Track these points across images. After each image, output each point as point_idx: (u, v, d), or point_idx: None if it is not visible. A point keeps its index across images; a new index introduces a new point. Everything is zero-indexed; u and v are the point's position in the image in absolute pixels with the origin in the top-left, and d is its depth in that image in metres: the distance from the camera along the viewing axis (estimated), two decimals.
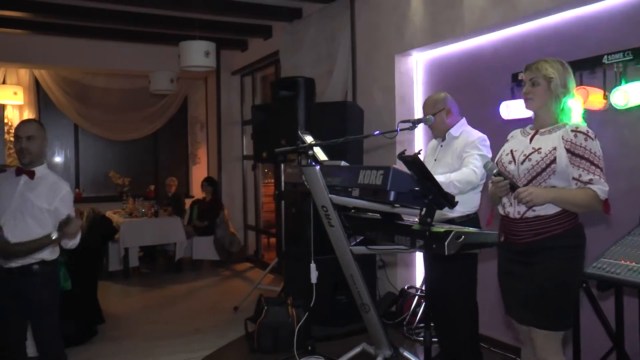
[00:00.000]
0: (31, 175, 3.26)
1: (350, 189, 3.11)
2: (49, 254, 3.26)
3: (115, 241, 7.68)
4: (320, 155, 3.69)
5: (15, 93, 8.90)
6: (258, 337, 4.67)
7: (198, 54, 6.51)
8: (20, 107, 9.13)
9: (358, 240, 3.45)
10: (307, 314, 4.47)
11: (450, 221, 3.43)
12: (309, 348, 4.34)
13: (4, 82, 8.94)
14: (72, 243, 3.30)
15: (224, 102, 9.26)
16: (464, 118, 3.84)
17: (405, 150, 3.01)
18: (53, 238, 3.07)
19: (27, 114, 9.11)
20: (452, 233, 2.66)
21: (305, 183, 3.42)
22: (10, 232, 3.16)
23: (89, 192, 9.66)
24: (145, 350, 4.94)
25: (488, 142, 3.66)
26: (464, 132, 3.75)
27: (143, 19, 7.33)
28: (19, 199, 3.22)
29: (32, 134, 3.25)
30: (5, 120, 9.05)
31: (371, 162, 5.45)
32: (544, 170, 2.65)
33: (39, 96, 9.33)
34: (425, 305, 4.71)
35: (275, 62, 7.69)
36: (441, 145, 3.84)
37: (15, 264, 3.18)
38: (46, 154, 3.42)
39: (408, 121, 3.52)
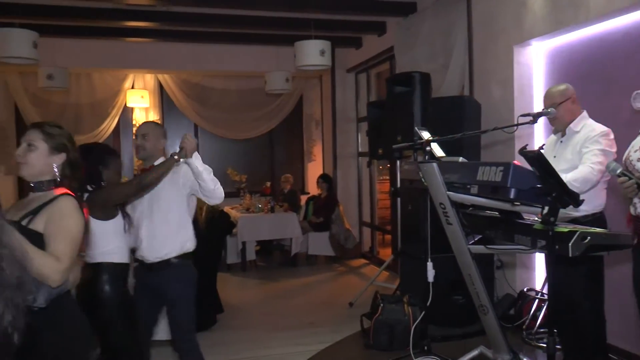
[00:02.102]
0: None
1: (468, 186, 3.03)
2: (190, 244, 3.43)
3: (234, 235, 7.96)
4: (438, 151, 3.62)
5: (142, 97, 9.49)
6: (374, 334, 4.66)
7: (313, 53, 6.59)
8: (146, 110, 9.72)
9: (476, 239, 3.35)
10: (423, 313, 4.42)
11: (574, 221, 3.25)
12: (425, 348, 4.27)
13: (132, 87, 9.56)
14: (206, 177, 3.27)
15: (338, 99, 9.35)
16: (585, 111, 3.62)
17: (527, 145, 2.88)
18: (175, 157, 3.15)
19: (152, 116, 9.69)
20: (577, 233, 2.52)
21: (423, 180, 3.37)
22: (147, 231, 3.37)
23: None
24: (262, 340, 5.09)
25: (612, 136, 3.42)
26: (586, 126, 3.53)
27: (259, 22, 7.58)
28: (149, 197, 3.40)
29: (146, 132, 3.47)
30: (134, 122, 9.66)
31: (489, 158, 5.28)
32: None
33: (163, 99, 9.87)
34: (547, 309, 4.48)
35: (390, 58, 7.65)
36: (561, 141, 3.64)
37: (155, 259, 3.37)
38: (166, 151, 3.56)
39: (528, 115, 3.38)
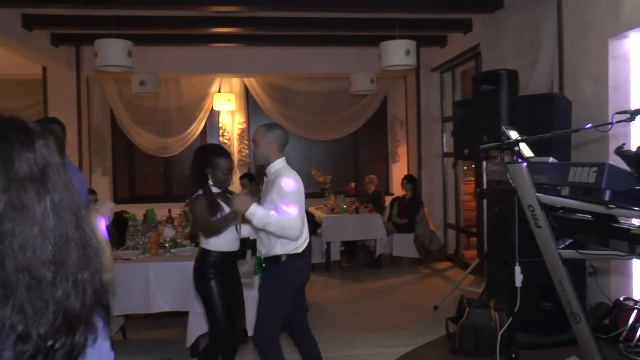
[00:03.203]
0: (266, 175, 3.60)
1: (558, 188, 2.90)
2: (280, 248, 3.45)
3: (318, 235, 8.02)
4: (526, 151, 3.49)
5: (228, 100, 9.74)
6: (459, 338, 4.56)
7: (399, 53, 6.53)
8: (232, 113, 9.98)
9: (567, 243, 3.20)
10: (510, 318, 4.28)
11: None
12: (513, 355, 4.13)
13: (219, 91, 9.82)
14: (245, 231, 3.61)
15: (423, 99, 9.23)
16: None
17: (624, 144, 2.72)
18: (230, 216, 3.47)
19: (238, 118, 9.95)
20: None
21: (510, 181, 3.26)
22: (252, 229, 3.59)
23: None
24: (346, 340, 5.10)
25: None
26: None
27: (343, 24, 7.63)
28: (261, 198, 3.58)
29: (254, 139, 3.60)
30: (220, 125, 9.96)
31: (580, 158, 5.04)
32: None
33: (248, 101, 10.09)
34: None
35: (476, 56, 7.47)
36: None
37: (265, 254, 3.51)
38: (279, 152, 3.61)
39: (625, 112, 3.18)
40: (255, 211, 3.29)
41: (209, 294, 3.55)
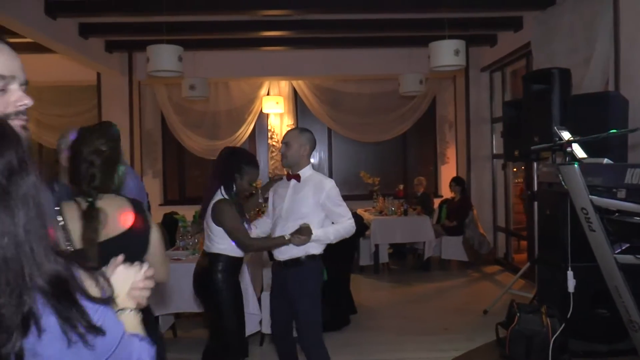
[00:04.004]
0: (297, 178, 3.57)
1: (614, 190, 2.81)
2: (314, 249, 3.51)
3: (367, 237, 8.00)
4: (579, 152, 3.40)
5: (277, 103, 9.81)
6: (510, 344, 4.46)
7: (448, 53, 6.45)
8: (281, 115, 10.04)
9: (623, 248, 3.10)
10: (563, 325, 4.16)
11: None
12: None
13: (267, 94, 9.91)
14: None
15: (472, 100, 9.10)
16: None
17: None
18: (286, 239, 3.39)
19: (287, 121, 10.01)
20: None
21: (563, 183, 3.18)
22: (280, 232, 3.52)
23: (341, 191, 9.97)
24: (395, 343, 5.08)
25: None
26: None
27: (392, 25, 7.59)
28: (289, 201, 3.56)
29: (287, 140, 3.59)
30: (269, 127, 10.04)
31: (638, 160, 4.87)
32: None
33: (297, 104, 10.14)
34: None
35: (527, 54, 7.33)
36: None
37: (283, 257, 3.54)
38: (309, 157, 3.66)
39: None
40: (315, 239, 3.40)
41: (220, 305, 3.45)
